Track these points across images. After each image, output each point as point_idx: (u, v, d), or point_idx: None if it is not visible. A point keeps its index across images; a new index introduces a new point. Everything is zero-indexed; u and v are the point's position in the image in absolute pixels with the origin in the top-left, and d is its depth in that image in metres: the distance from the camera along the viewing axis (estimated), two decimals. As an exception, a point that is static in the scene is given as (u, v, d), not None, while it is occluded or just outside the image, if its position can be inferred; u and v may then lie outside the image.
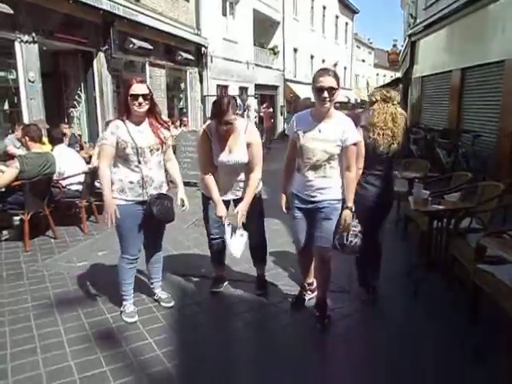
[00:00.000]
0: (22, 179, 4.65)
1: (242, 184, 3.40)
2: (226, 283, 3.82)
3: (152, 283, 3.60)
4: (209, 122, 3.32)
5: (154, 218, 3.15)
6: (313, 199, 3.04)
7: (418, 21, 13.34)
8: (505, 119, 7.22)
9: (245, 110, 17.26)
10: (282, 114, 23.57)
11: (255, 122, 17.31)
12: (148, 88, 3.10)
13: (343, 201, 3.01)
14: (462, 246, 3.52)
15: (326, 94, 2.80)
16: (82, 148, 7.45)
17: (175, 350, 2.90)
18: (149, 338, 3.02)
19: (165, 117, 12.39)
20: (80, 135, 8.08)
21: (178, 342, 3.01)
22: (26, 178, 4.64)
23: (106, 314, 3.38)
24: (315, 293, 3.48)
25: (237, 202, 3.42)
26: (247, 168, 3.34)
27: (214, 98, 3.31)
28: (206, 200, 3.50)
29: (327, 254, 3.10)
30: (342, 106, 21.57)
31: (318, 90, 2.82)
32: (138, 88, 3.03)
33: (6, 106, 7.84)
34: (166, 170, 3.45)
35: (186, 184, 8.56)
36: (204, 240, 3.77)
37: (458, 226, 3.60)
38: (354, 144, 2.94)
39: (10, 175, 4.59)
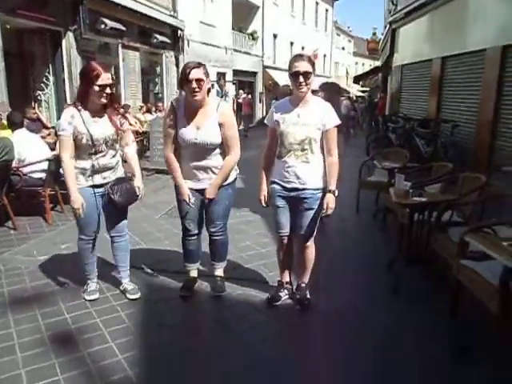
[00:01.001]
0: (-24, 166, 4.30)
1: (216, 171, 3.12)
2: (197, 284, 3.53)
3: (119, 272, 3.42)
4: (177, 96, 3.18)
5: (116, 205, 3.09)
6: (295, 186, 2.97)
7: (398, 8, 13.17)
8: (483, 109, 7.14)
9: (222, 96, 16.92)
10: (260, 101, 23.27)
11: (233, 109, 17.01)
12: (112, 76, 2.95)
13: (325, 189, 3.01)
14: (443, 240, 3.38)
15: (301, 79, 2.81)
16: (47, 128, 7.02)
17: (138, 354, 2.65)
18: (110, 341, 2.77)
19: (139, 102, 11.98)
20: (38, 117, 7.49)
21: (141, 345, 2.76)
22: (-19, 165, 4.29)
23: (66, 313, 3.11)
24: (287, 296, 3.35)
25: None
26: (223, 151, 3.11)
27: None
28: (179, 191, 3.25)
29: (310, 242, 3.15)
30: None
31: (294, 75, 2.82)
32: (106, 78, 2.86)
33: (-35, 87, 7.34)
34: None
35: (160, 172, 8.34)
36: (176, 232, 3.51)
37: (439, 219, 3.46)
38: (335, 127, 2.95)
39: (-37, 162, 4.23)
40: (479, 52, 7.35)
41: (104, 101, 2.91)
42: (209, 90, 3.01)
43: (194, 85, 2.85)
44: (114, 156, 3.13)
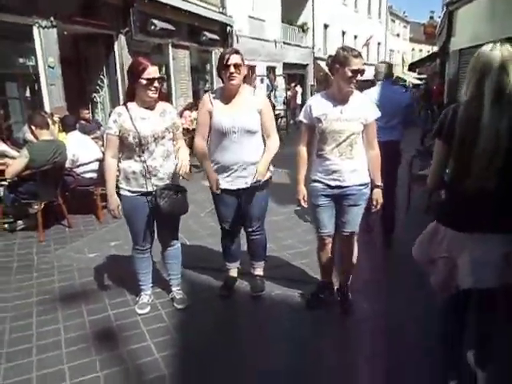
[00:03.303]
0: (32, 168, 4.55)
1: (252, 168, 3.04)
2: (237, 283, 3.53)
3: (170, 280, 3.34)
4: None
5: (161, 210, 2.90)
6: (340, 184, 2.87)
7: (456, -11, 12.38)
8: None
9: (272, 90, 16.85)
10: (311, 93, 22.92)
11: (283, 102, 16.87)
12: (161, 73, 2.88)
13: (371, 182, 2.94)
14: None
15: (359, 77, 2.75)
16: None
17: (175, 354, 2.69)
18: (148, 340, 2.82)
19: (190, 99, 12.19)
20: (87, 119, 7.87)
21: (178, 344, 2.80)
22: (36, 167, 4.53)
23: (109, 310, 3.22)
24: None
25: (246, 191, 3.11)
26: (260, 145, 3.09)
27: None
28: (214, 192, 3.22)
29: (353, 239, 3.07)
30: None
31: (353, 72, 2.70)
32: (154, 71, 2.80)
33: (28, 93, 7.80)
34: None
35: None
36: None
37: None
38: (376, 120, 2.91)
39: (20, 164, 4.49)
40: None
41: (152, 95, 2.82)
42: (244, 77, 3.04)
43: (232, 69, 2.90)
44: (165, 157, 2.96)
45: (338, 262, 3.23)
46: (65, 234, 4.96)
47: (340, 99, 2.83)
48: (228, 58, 2.89)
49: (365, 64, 2.86)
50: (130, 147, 2.89)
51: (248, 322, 3.11)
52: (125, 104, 2.93)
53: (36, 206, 4.81)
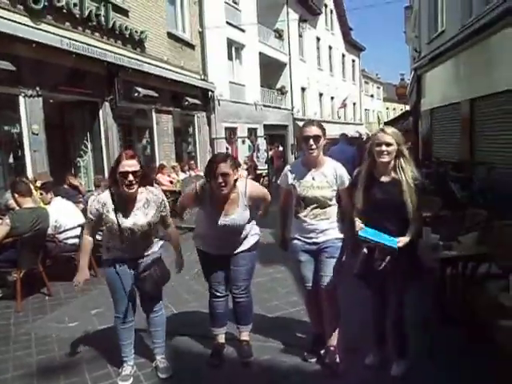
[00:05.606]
0: (13, 236, 4.48)
1: (242, 241, 3.21)
2: (225, 350, 3.41)
3: (154, 348, 3.24)
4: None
5: (147, 293, 3.03)
6: (316, 240, 3.03)
7: (422, 54, 13.32)
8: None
9: (254, 151, 17.26)
10: (292, 153, 23.53)
11: (265, 162, 17.23)
12: (139, 162, 2.83)
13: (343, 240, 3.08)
14: (480, 297, 3.15)
15: (311, 142, 2.92)
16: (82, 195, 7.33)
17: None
18: (131, 417, 2.69)
19: (173, 161, 12.38)
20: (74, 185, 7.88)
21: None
22: (18, 235, 4.47)
23: (89, 385, 3.07)
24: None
25: (235, 255, 3.20)
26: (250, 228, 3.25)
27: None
28: (202, 255, 3.29)
29: (333, 293, 3.09)
30: (353, 140, 21.31)
31: (305, 139, 2.95)
32: (127, 164, 2.74)
33: (11, 159, 7.84)
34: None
35: (193, 230, 8.40)
36: (205, 294, 3.46)
37: (475, 272, 3.25)
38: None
39: (1, 233, 4.43)
40: (509, 92, 7.22)
41: (126, 189, 2.77)
42: (235, 180, 3.00)
43: (220, 180, 2.87)
44: (147, 245, 3.03)
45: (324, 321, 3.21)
46: (44, 303, 4.79)
47: (310, 166, 3.05)
48: (216, 168, 2.86)
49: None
50: (111, 232, 2.92)
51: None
52: (111, 191, 2.89)
53: (15, 275, 4.69)
